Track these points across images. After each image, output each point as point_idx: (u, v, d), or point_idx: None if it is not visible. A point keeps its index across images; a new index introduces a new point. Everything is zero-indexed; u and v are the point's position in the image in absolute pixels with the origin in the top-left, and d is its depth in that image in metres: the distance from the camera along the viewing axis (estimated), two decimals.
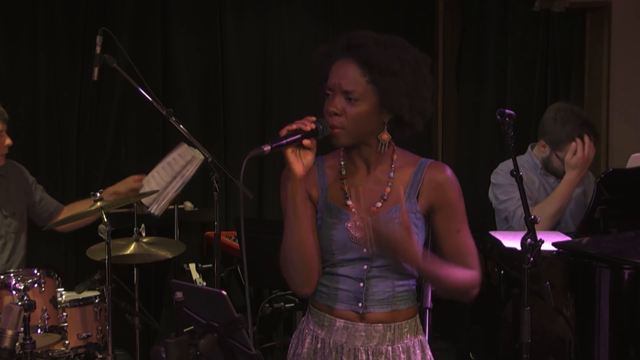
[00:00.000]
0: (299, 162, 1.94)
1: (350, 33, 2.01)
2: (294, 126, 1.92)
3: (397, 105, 1.96)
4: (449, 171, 2.08)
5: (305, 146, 1.93)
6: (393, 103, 1.96)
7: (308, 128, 1.92)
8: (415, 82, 1.97)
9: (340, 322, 2.07)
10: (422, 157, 2.11)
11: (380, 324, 2.06)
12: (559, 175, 3.51)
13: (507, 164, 3.55)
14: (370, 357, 2.06)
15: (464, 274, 2.05)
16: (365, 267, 2.04)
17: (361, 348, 2.06)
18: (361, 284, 2.05)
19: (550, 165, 3.53)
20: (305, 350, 2.13)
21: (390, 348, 2.06)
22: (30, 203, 3.81)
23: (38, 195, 3.86)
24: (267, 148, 1.87)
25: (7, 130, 3.62)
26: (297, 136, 1.91)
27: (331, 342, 2.08)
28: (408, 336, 2.08)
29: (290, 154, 1.92)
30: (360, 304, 2.05)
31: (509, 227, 3.49)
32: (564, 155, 3.45)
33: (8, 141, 3.63)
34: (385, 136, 2.02)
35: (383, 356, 2.06)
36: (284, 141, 1.90)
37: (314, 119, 1.95)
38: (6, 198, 3.69)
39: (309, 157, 1.95)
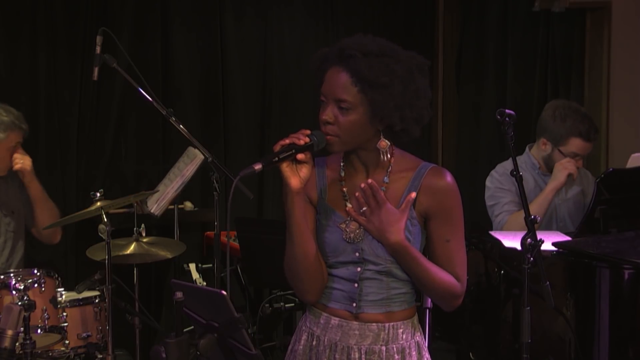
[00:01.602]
0: (296, 176, 1.94)
1: (343, 40, 1.98)
2: (287, 141, 1.92)
3: (387, 117, 1.94)
4: (448, 177, 2.04)
5: (300, 160, 1.93)
6: (383, 115, 1.94)
7: (301, 142, 1.92)
8: (406, 94, 1.93)
9: (335, 320, 2.07)
10: (423, 161, 2.08)
11: (374, 324, 2.05)
12: None
13: (503, 166, 3.56)
14: (363, 356, 2.05)
15: (447, 277, 2.02)
16: (359, 269, 2.04)
17: (354, 346, 2.05)
18: (355, 285, 2.04)
19: (552, 162, 3.53)
20: (301, 347, 2.13)
21: (384, 348, 2.05)
22: (26, 205, 3.80)
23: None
24: (258, 167, 1.88)
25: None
26: (290, 152, 1.91)
27: (325, 340, 2.08)
28: (403, 337, 2.07)
29: (286, 169, 1.93)
30: (354, 304, 2.05)
31: None
32: (566, 150, 3.47)
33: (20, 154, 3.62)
34: (384, 144, 2.00)
35: (376, 355, 2.05)
36: (276, 158, 1.90)
37: (308, 132, 1.95)
38: (5, 197, 3.69)
39: (305, 170, 1.95)
